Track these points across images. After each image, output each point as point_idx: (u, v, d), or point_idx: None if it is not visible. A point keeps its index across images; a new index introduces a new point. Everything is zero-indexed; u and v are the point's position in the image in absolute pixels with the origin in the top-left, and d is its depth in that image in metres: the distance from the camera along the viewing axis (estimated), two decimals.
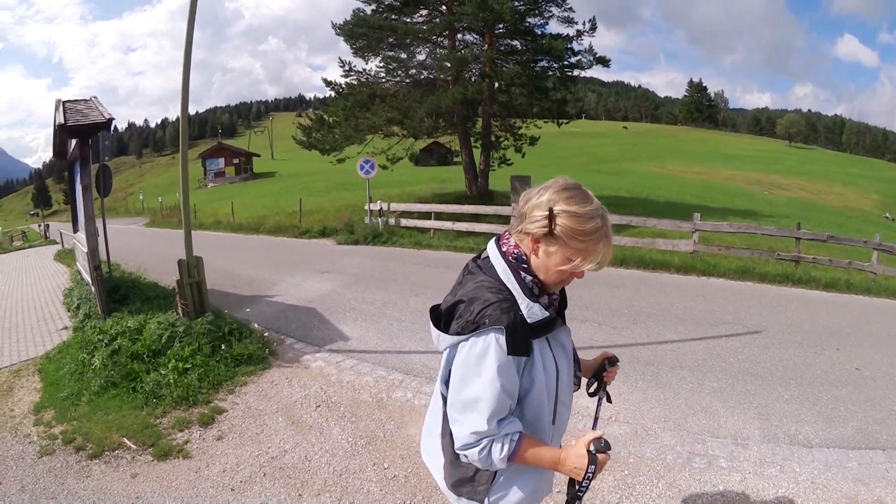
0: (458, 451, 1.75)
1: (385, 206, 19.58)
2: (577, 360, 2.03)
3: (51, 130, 11.48)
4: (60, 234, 31.08)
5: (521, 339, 1.64)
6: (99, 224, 10.62)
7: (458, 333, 1.69)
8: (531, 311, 1.70)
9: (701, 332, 7.76)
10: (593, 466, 1.71)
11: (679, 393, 5.72)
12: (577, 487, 1.79)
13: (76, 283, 13.40)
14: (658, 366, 6.47)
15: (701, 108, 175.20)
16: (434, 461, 2.02)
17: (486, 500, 1.85)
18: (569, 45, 23.66)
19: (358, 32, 24.42)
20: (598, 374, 2.22)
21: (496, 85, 25.04)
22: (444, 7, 24.96)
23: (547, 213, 1.66)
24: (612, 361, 2.21)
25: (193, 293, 8.21)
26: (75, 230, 14.68)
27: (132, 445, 5.12)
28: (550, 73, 25.06)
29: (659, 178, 48.49)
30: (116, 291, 10.60)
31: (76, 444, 5.25)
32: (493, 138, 25.97)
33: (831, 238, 12.93)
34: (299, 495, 4.23)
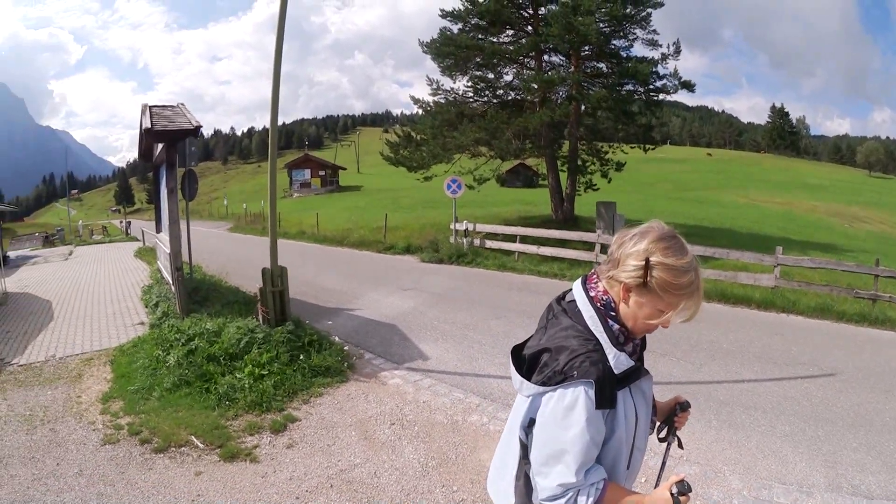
0: (542, 502, 1.73)
1: (471, 227, 19.60)
2: (654, 406, 2.03)
3: (135, 132, 12.07)
4: (142, 231, 32.97)
5: (608, 392, 1.64)
6: (182, 226, 11.05)
7: (543, 384, 1.69)
8: (618, 361, 1.68)
9: (777, 373, 7.58)
10: None
11: (751, 435, 5.65)
12: None
13: (155, 281, 14.01)
14: (733, 406, 6.40)
15: (783, 135, 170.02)
16: (502, 500, 1.99)
17: None
18: (654, 69, 23.62)
19: (445, 51, 24.97)
20: (670, 418, 2.17)
21: (582, 108, 25.16)
22: (529, 28, 25.36)
23: (643, 263, 1.64)
24: (684, 407, 2.16)
25: (275, 302, 8.45)
26: (158, 230, 15.39)
27: (199, 444, 5.25)
28: (636, 96, 25.02)
29: (742, 208, 47.73)
30: (196, 293, 11.02)
31: (142, 436, 5.43)
32: (579, 162, 26.03)
33: None
34: None
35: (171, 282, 10.93)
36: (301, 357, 7.46)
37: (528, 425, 1.78)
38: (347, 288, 13.55)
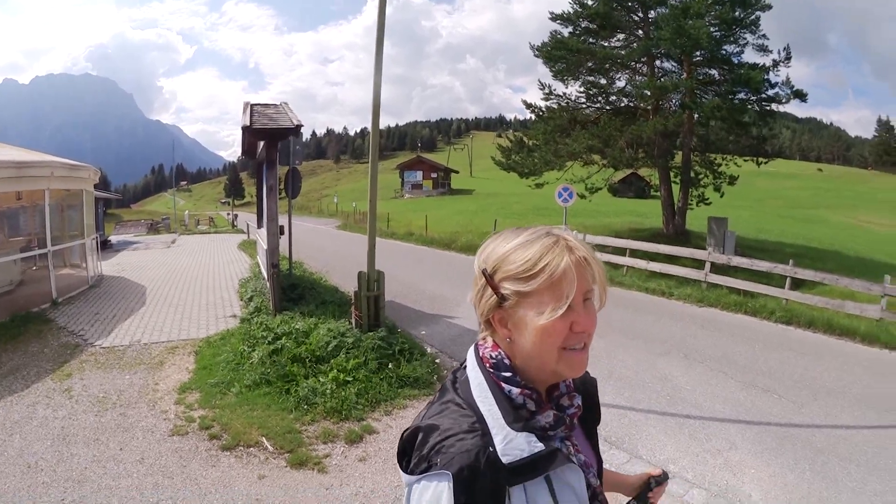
0: None
1: (580, 237, 19.28)
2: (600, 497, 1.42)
3: None
4: (247, 225, 34.63)
5: (482, 491, 1.17)
6: (284, 221, 11.28)
7: (410, 473, 1.24)
8: (509, 445, 1.22)
9: (875, 420, 7.12)
10: None
11: (842, 491, 5.33)
12: None
13: (254, 275, 14.45)
14: (829, 455, 6.07)
15: (890, 151, 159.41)
16: None
17: None
18: (766, 76, 23.10)
19: (556, 55, 25.37)
20: (643, 496, 1.71)
21: (695, 117, 24.81)
22: (640, 32, 25.46)
23: (482, 278, 1.32)
24: (660, 480, 1.72)
25: (370, 306, 8.51)
26: (259, 226, 15.93)
27: (269, 447, 5.26)
28: (749, 105, 24.40)
29: (851, 230, 45.72)
30: (293, 290, 11.23)
31: (212, 431, 5.52)
32: (692, 174, 25.72)
33: None
34: None
35: (266, 277, 11.19)
36: (389, 366, 7.41)
37: None
38: (450, 294, 13.48)
